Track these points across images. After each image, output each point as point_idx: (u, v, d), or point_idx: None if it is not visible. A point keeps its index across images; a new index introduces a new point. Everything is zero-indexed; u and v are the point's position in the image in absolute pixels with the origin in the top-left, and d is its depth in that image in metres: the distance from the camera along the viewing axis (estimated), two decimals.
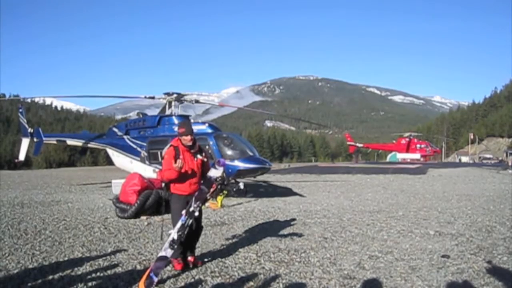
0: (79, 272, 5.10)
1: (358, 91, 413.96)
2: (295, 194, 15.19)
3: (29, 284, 4.69)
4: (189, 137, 5.25)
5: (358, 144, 75.27)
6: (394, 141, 71.81)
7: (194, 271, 5.16)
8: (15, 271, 5.18)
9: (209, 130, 14.19)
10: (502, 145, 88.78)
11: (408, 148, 65.70)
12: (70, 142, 21.32)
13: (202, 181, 5.36)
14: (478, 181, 21.68)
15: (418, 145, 66.27)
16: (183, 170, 5.15)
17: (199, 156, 5.40)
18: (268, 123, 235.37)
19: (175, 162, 5.09)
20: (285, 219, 9.23)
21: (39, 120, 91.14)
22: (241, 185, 5.70)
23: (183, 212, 5.04)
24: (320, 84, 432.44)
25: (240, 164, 12.89)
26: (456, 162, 66.88)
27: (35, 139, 20.70)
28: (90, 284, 4.66)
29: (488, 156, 75.46)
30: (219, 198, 11.10)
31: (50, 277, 4.92)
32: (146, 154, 15.02)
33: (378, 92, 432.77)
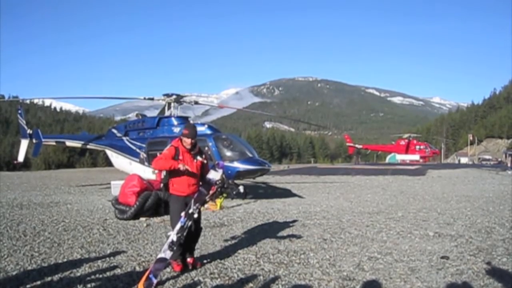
0: (78, 274, 5.09)
1: (358, 92, 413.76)
2: (295, 195, 15.19)
3: (28, 286, 4.68)
4: (189, 141, 5.28)
5: (357, 145, 75.24)
6: (393, 142, 71.93)
7: (193, 273, 5.16)
8: (14, 273, 5.17)
9: (209, 132, 14.19)
10: (501, 146, 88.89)
11: (407, 149, 65.79)
12: (69, 143, 21.30)
13: (201, 183, 5.38)
14: (477, 182, 21.72)
15: (417, 146, 66.41)
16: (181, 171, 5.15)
17: (198, 158, 5.43)
18: (268, 124, 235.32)
19: (174, 157, 5.18)
20: (285, 221, 9.23)
21: (38, 121, 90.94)
22: (241, 189, 5.70)
23: (182, 214, 5.04)
24: (319, 85, 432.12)
25: (240, 166, 12.90)
26: (455, 163, 66.85)
27: (34, 140, 20.68)
28: (89, 285, 4.65)
29: (487, 157, 75.38)
30: (218, 200, 11.09)
31: (49, 278, 4.91)
32: (145, 155, 15.01)
33: (377, 93, 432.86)
